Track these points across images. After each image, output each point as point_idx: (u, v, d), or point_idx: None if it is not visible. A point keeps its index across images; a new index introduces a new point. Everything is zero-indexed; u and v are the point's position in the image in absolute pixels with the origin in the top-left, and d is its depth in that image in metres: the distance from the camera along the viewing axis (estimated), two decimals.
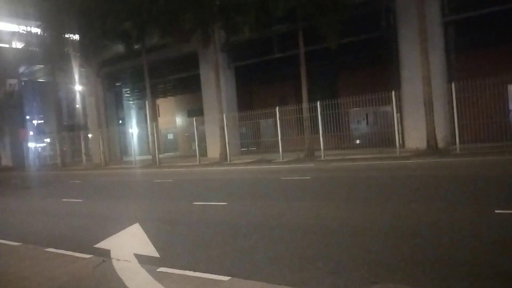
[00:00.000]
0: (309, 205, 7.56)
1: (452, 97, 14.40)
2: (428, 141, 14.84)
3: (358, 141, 19.53)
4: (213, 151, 21.98)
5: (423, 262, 4.04)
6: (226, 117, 19.56)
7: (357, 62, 20.96)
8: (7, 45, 34.45)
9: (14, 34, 34.17)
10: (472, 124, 14.55)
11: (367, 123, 19.97)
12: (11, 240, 6.38)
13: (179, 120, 33.77)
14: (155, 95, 28.80)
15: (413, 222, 5.62)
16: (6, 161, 34.15)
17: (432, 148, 14.66)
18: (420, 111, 15.29)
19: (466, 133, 14.51)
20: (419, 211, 6.28)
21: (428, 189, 8.31)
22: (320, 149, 16.79)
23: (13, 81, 33.99)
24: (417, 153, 14.90)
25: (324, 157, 16.37)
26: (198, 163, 19.89)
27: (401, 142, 16.02)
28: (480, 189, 7.82)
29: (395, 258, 4.24)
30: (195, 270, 4.34)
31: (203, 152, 22.39)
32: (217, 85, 20.12)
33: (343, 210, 6.80)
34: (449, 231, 5.08)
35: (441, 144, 15.08)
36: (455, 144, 14.37)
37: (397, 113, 15.54)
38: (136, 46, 22.79)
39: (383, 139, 16.55)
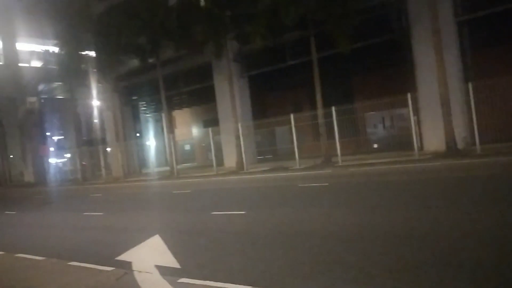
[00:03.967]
0: (328, 212, 7.51)
1: (469, 97, 14.17)
2: (447, 143, 14.59)
3: (375, 145, 19.33)
4: (230, 160, 22.06)
5: (447, 267, 3.96)
6: (241, 126, 19.63)
7: (371, 65, 20.82)
8: (26, 65, 35.46)
9: (33, 54, 35.22)
10: (492, 123, 14.25)
11: (383, 126, 19.77)
12: (35, 255, 6.50)
13: (195, 131, 34.02)
14: (171, 107, 29.10)
15: (436, 226, 5.52)
16: (29, 177, 34.91)
17: (451, 149, 14.41)
18: (437, 112, 15.07)
19: (486, 133, 14.22)
20: (441, 214, 6.17)
21: (450, 191, 8.16)
22: (337, 155, 16.67)
23: (33, 99, 34.86)
24: (437, 155, 14.66)
25: (341, 163, 16.25)
26: (215, 172, 19.98)
27: (419, 144, 15.80)
28: (503, 190, 7.64)
29: (417, 263, 4.17)
30: (216, 280, 4.34)
31: (220, 162, 22.48)
32: (231, 95, 20.26)
33: (363, 216, 6.73)
34: (474, 234, 4.98)
35: (460, 145, 14.82)
36: (475, 144, 14.09)
37: (414, 115, 15.36)
38: (150, 60, 23.15)
39: (401, 142, 16.36)
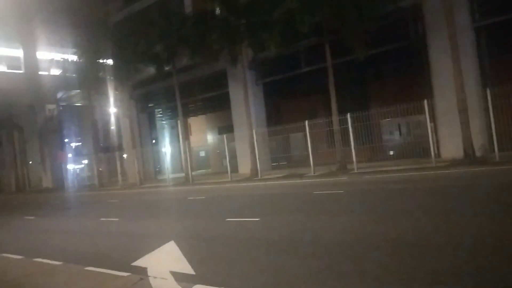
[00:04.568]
0: (344, 219, 7.45)
1: (488, 104, 13.93)
2: (465, 150, 14.35)
3: (391, 152, 19.10)
4: (244, 167, 22.09)
5: (465, 275, 3.90)
6: (256, 133, 19.67)
7: (387, 72, 20.70)
8: (46, 73, 36.27)
9: (52, 62, 35.98)
10: (511, 130, 13.97)
11: (400, 133, 19.54)
12: (52, 260, 6.60)
13: (210, 138, 34.19)
14: (187, 114, 29.35)
15: (454, 234, 5.43)
16: (47, 183, 35.54)
17: (469, 157, 14.16)
18: (454, 119, 14.85)
19: (505, 140, 13.94)
20: (460, 222, 6.07)
21: (468, 199, 8.01)
22: (353, 162, 16.53)
23: (52, 107, 35.64)
24: (454, 163, 14.42)
25: (357, 170, 16.12)
26: (229, 179, 20.03)
27: (436, 152, 15.56)
28: None
29: (435, 272, 4.11)
30: (230, 287, 4.35)
31: (234, 168, 22.53)
32: (246, 102, 20.34)
33: (380, 224, 6.65)
34: (493, 243, 4.88)
35: (478, 152, 14.55)
36: (494, 152, 13.82)
37: (430, 122, 15.16)
38: (167, 68, 23.44)
39: (417, 149, 16.14)
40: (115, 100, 30.19)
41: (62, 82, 31.89)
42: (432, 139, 15.06)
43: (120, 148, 31.99)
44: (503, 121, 13.86)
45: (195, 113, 32.04)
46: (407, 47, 18.44)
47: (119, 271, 5.41)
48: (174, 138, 34.46)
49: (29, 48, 35.60)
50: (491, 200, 7.59)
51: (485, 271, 4.00)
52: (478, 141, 14.80)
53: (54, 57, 34.21)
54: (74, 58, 27.50)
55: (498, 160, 13.38)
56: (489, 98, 13.81)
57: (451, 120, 15.44)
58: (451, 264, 4.28)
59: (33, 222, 13.58)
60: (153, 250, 6.51)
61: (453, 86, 14.65)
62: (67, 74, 29.32)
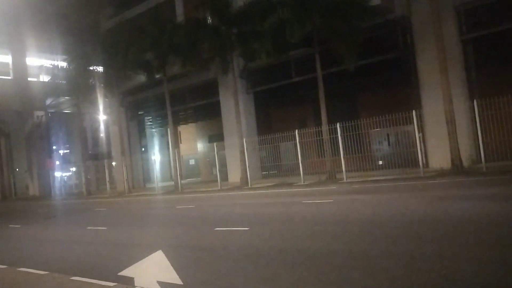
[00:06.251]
0: (333, 228, 7.45)
1: (475, 115, 14.15)
2: (452, 160, 14.53)
3: (380, 162, 19.23)
4: (234, 175, 22.06)
5: (452, 285, 3.92)
6: (246, 142, 19.69)
7: (376, 82, 20.92)
8: (35, 79, 35.94)
9: (41, 68, 35.72)
10: (498, 142, 14.20)
11: (388, 143, 19.70)
12: (37, 269, 6.49)
13: (200, 146, 34.13)
14: (177, 122, 29.29)
15: (441, 244, 5.47)
16: (34, 191, 35.00)
17: (457, 167, 14.33)
18: (442, 130, 15.05)
19: (492, 151, 14.16)
20: (448, 232, 6.11)
21: (455, 209, 8.08)
22: (342, 171, 16.63)
23: (41, 113, 35.22)
24: (442, 173, 14.58)
25: (346, 179, 16.20)
26: (219, 188, 19.97)
27: (424, 162, 15.74)
28: (505, 208, 7.57)
29: (423, 282, 4.13)
30: None
31: (224, 177, 22.48)
32: (236, 111, 20.38)
33: (368, 234, 6.67)
34: (478, 253, 4.93)
35: (466, 163, 14.74)
36: (481, 162, 14.02)
37: (419, 132, 15.34)
38: (157, 76, 23.41)
39: (406, 159, 16.29)
40: (105, 108, 30.01)
41: (51, 89, 31.60)
42: (421, 149, 15.23)
43: (109, 156, 31.73)
44: (490, 132, 14.09)
45: (186, 121, 31.99)
46: (396, 58, 18.69)
47: (106, 281, 5.33)
48: (164, 146, 34.34)
49: (18, 54, 35.25)
50: (471, 210, 7.67)
51: (473, 281, 4.02)
52: (465, 152, 15.01)
53: (44, 63, 34.02)
54: (64, 64, 27.32)
55: (485, 170, 13.56)
56: (476, 109, 14.04)
57: (439, 131, 15.64)
58: (437, 274, 4.30)
59: (18, 231, 13.34)
60: (140, 259, 6.44)
61: (441, 97, 14.87)
62: (56, 81, 29.08)
